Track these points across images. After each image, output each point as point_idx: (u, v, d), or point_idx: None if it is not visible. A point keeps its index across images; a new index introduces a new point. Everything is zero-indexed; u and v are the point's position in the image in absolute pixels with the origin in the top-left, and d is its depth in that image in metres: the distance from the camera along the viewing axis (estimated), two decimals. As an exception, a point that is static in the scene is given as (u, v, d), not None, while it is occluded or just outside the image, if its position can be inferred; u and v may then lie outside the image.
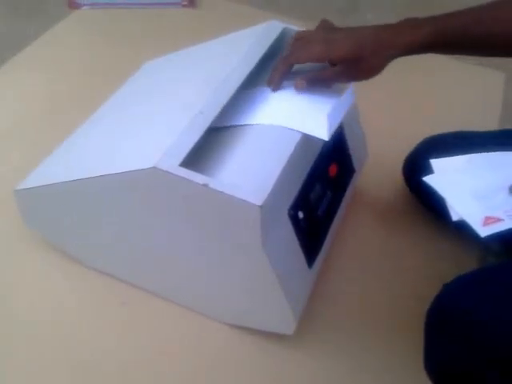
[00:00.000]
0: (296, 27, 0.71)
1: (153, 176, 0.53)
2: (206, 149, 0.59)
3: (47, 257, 0.76)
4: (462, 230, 0.81)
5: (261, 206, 0.50)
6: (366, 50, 0.59)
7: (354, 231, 0.83)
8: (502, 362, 0.49)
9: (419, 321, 0.57)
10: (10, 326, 0.70)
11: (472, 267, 0.66)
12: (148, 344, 0.69)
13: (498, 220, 0.65)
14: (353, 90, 0.64)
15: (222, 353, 0.68)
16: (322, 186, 0.68)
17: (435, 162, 0.73)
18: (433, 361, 0.56)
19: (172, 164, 0.52)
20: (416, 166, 0.83)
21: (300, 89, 0.62)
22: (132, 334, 0.69)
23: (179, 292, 0.70)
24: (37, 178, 0.69)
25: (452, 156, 0.74)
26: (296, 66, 0.64)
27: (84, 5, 1.24)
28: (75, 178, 0.62)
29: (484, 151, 0.73)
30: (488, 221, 0.65)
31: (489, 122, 1.00)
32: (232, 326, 0.70)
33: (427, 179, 0.71)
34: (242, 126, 0.62)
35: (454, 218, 0.67)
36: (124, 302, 0.72)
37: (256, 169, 0.56)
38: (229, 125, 0.62)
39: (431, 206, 0.84)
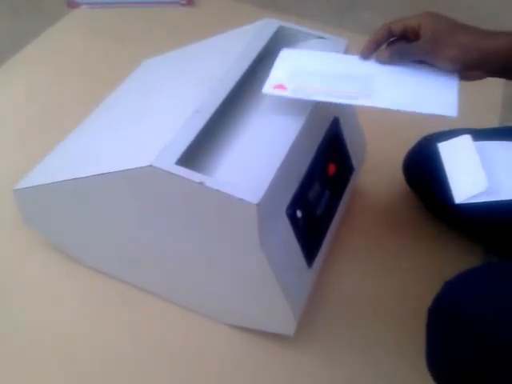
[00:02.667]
0: (292, 25, 0.71)
1: (150, 174, 0.53)
2: (204, 147, 0.59)
3: (47, 256, 0.76)
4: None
5: (257, 205, 0.50)
6: (448, 30, 0.58)
7: (353, 230, 0.83)
8: (501, 360, 0.49)
9: (420, 320, 0.57)
10: (10, 325, 0.70)
11: (473, 266, 0.66)
12: (148, 344, 0.69)
13: None
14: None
15: (221, 353, 0.68)
16: (320, 185, 0.68)
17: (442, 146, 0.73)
18: (435, 359, 0.55)
19: (168, 162, 0.52)
20: (416, 163, 0.83)
21: (382, 60, 0.60)
22: (132, 334, 0.69)
23: (178, 292, 0.70)
24: (36, 177, 0.69)
25: None
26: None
27: (83, 4, 1.25)
28: (73, 177, 0.62)
29: None
30: None
31: (489, 120, 1.00)
32: (232, 326, 0.70)
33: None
34: (241, 122, 0.62)
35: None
36: (124, 301, 0.72)
37: (253, 167, 0.56)
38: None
39: (432, 203, 0.84)
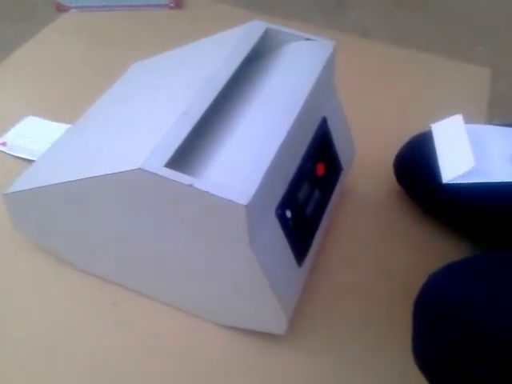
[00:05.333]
0: (279, 27, 0.72)
1: (139, 177, 0.54)
2: (193, 148, 0.59)
3: (38, 260, 0.76)
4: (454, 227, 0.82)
5: (246, 206, 0.50)
6: None
7: (344, 229, 0.83)
8: (486, 351, 0.49)
9: (410, 316, 0.58)
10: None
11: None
12: (139, 345, 0.69)
13: None
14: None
15: (212, 353, 0.69)
16: (309, 185, 0.68)
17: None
18: (421, 351, 0.56)
19: (157, 165, 0.53)
20: (407, 161, 0.84)
21: None
22: (123, 336, 0.70)
23: (168, 293, 0.70)
24: (25, 182, 0.69)
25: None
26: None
27: (72, 8, 1.25)
28: (62, 181, 0.62)
29: None
30: None
31: (476, 118, 1.00)
32: (223, 326, 0.70)
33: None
34: (230, 124, 0.62)
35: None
36: (114, 303, 0.73)
37: (242, 168, 0.56)
38: None
39: (423, 202, 0.84)
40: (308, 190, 0.68)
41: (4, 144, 0.88)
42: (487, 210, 0.73)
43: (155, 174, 0.52)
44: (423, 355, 0.56)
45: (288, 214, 0.63)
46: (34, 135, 0.92)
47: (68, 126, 0.84)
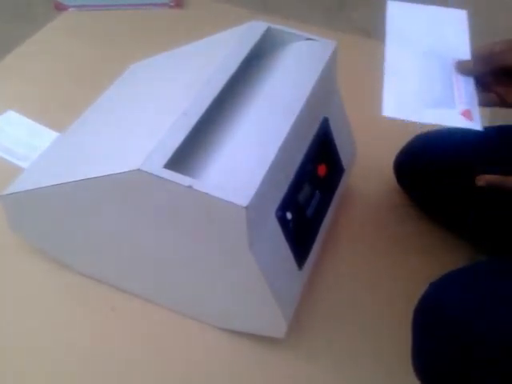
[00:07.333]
0: (280, 27, 0.71)
1: (137, 178, 0.53)
2: (192, 149, 0.58)
3: (36, 262, 0.76)
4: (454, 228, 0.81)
5: (246, 207, 0.50)
6: None
7: (345, 231, 0.83)
8: (486, 360, 0.49)
9: (410, 320, 0.57)
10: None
11: (463, 265, 0.67)
12: (138, 349, 0.68)
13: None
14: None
15: (211, 356, 0.68)
16: (310, 186, 0.68)
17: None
18: (420, 360, 0.56)
19: (156, 166, 0.52)
20: (407, 163, 0.83)
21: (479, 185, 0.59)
22: (122, 340, 0.69)
23: (167, 296, 0.70)
24: (22, 183, 0.69)
25: (443, 157, 0.74)
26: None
27: (70, 7, 1.24)
28: (60, 182, 0.61)
29: (474, 147, 0.73)
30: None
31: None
32: (222, 329, 0.69)
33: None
34: (230, 124, 0.62)
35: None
36: (114, 306, 0.72)
37: (242, 169, 0.55)
38: None
39: (423, 203, 0.84)
40: (309, 191, 0.67)
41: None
42: (490, 223, 0.72)
43: (154, 174, 0.51)
44: (423, 364, 0.56)
45: (288, 215, 0.62)
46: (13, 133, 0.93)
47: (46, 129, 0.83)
